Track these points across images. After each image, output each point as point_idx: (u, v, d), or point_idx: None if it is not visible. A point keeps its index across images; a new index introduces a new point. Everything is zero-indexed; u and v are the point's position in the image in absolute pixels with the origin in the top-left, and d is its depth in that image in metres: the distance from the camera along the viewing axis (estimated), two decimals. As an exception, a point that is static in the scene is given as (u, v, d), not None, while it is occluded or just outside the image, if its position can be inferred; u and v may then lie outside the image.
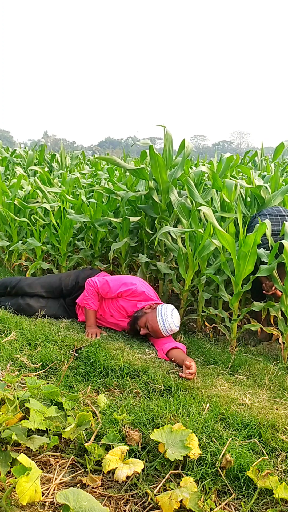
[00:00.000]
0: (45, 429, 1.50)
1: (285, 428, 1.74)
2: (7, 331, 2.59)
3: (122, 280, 2.75)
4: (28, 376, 2.00)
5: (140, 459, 1.48)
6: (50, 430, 1.56)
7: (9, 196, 4.17)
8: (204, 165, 4.92)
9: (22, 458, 1.26)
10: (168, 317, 2.50)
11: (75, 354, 2.31)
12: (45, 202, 3.77)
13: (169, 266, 3.10)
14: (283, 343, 2.52)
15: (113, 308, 2.77)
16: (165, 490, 1.39)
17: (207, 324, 2.90)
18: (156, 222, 3.20)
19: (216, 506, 1.34)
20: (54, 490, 1.37)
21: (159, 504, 1.30)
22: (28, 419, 1.50)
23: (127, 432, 1.60)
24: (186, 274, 2.86)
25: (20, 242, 3.84)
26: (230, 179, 3.33)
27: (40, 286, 3.01)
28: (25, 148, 9.89)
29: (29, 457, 1.36)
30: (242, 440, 1.64)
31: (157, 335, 2.55)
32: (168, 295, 3.38)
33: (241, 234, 2.45)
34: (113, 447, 1.50)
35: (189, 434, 1.50)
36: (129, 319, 2.71)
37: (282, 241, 2.38)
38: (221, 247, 2.54)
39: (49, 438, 1.52)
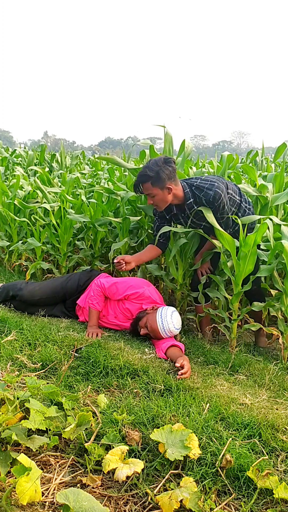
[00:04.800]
0: (45, 429, 1.49)
1: (285, 428, 1.74)
2: (7, 331, 2.59)
3: (129, 282, 2.76)
4: (28, 376, 2.00)
5: (140, 459, 1.48)
6: (50, 430, 1.56)
7: (9, 196, 4.18)
8: (204, 165, 4.91)
9: (22, 458, 1.26)
10: (167, 317, 2.50)
11: (75, 354, 2.31)
12: (45, 202, 3.77)
13: (161, 267, 3.13)
14: (283, 343, 2.52)
15: (118, 310, 2.77)
16: (165, 490, 1.39)
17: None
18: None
19: (216, 506, 1.34)
20: (54, 490, 1.37)
21: (159, 504, 1.30)
22: (28, 419, 1.50)
23: (127, 432, 1.60)
24: (177, 273, 2.89)
25: (20, 242, 3.84)
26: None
27: (42, 294, 2.99)
28: (25, 148, 9.89)
29: (29, 457, 1.36)
30: (242, 440, 1.64)
31: (155, 336, 2.55)
32: (168, 295, 3.38)
33: (241, 234, 2.45)
34: (113, 447, 1.50)
35: (189, 434, 1.50)
36: (132, 321, 2.71)
37: (282, 241, 2.38)
38: (221, 247, 2.54)
39: (49, 438, 1.52)
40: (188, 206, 2.55)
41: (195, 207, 2.53)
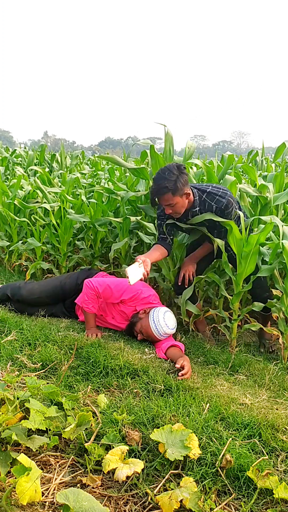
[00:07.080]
0: (45, 429, 1.49)
1: (285, 428, 1.74)
2: (7, 331, 2.59)
3: (125, 285, 2.63)
4: (28, 376, 2.00)
5: (140, 459, 1.48)
6: (50, 430, 1.56)
7: (9, 196, 4.17)
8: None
9: (22, 458, 1.26)
10: (160, 321, 2.48)
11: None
12: (45, 202, 3.77)
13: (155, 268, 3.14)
14: (283, 343, 2.51)
15: (115, 311, 2.75)
16: (165, 490, 1.39)
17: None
18: (155, 222, 3.20)
19: (216, 506, 1.34)
20: (54, 490, 1.37)
21: (159, 504, 1.30)
22: (28, 419, 1.50)
23: (127, 432, 1.60)
24: (169, 273, 2.91)
25: (20, 242, 3.84)
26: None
27: (41, 293, 2.99)
28: (25, 148, 9.89)
29: (29, 457, 1.36)
30: (242, 440, 1.64)
31: (153, 340, 2.54)
32: (168, 295, 3.38)
33: (243, 233, 2.44)
34: (113, 447, 1.50)
35: (189, 434, 1.50)
36: (127, 325, 2.69)
37: (283, 241, 2.38)
38: (223, 245, 2.54)
39: (49, 438, 1.52)
40: (192, 214, 2.53)
41: (199, 215, 2.51)
